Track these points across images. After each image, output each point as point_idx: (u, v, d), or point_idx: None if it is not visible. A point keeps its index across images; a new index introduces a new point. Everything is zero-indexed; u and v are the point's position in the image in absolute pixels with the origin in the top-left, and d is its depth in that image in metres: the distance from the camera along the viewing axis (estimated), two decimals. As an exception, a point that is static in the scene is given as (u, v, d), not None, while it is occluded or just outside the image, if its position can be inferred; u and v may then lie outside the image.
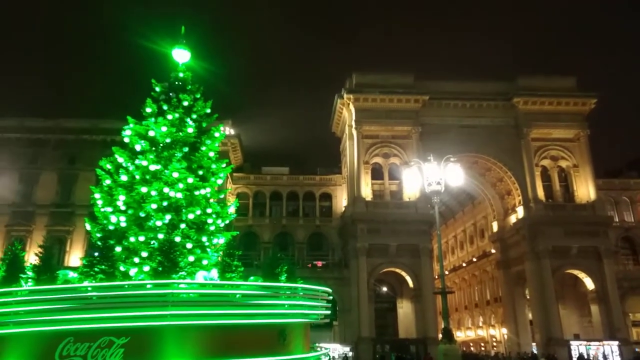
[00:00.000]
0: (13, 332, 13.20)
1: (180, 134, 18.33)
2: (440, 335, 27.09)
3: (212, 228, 18.01)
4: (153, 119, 18.33)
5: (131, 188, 17.46)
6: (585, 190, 55.51)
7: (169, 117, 18.35)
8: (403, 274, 53.45)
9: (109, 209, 17.30)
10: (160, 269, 14.78)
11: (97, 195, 17.67)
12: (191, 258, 16.73)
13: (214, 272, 16.45)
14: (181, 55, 19.95)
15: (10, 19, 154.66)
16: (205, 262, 17.40)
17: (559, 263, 52.72)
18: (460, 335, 73.24)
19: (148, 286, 14.29)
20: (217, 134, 19.37)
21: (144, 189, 17.22)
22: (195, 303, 13.81)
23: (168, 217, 16.97)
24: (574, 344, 49.53)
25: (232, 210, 18.96)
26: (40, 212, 51.89)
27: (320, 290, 16.81)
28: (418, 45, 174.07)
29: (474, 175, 60.61)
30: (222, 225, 18.48)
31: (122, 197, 17.25)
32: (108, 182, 17.80)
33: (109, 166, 18.09)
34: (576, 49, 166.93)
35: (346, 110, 59.20)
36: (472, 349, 71.36)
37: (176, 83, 19.34)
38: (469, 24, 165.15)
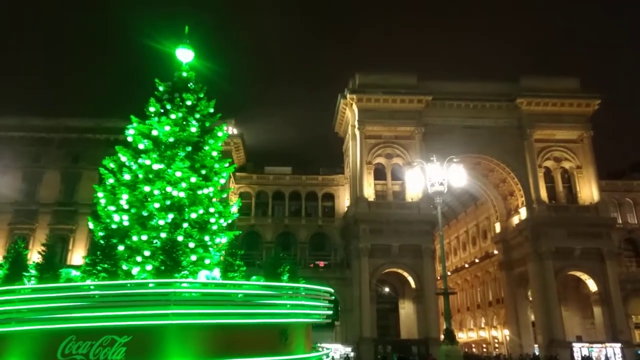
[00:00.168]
0: (16, 330, 13.23)
1: (184, 133, 18.36)
2: (442, 336, 27.11)
3: (214, 227, 18.03)
4: (156, 118, 18.38)
5: (134, 187, 17.50)
6: (588, 191, 55.35)
7: (172, 116, 18.38)
8: (405, 274, 53.40)
9: (112, 208, 17.34)
10: (162, 268, 14.82)
11: (100, 194, 17.71)
12: (193, 257, 16.74)
13: (216, 272, 16.47)
14: (185, 54, 19.99)
15: (11, 19, 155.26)
16: (207, 261, 17.42)
17: (562, 264, 52.59)
18: (462, 336, 73.13)
19: (150, 285, 14.31)
20: (220, 134, 19.39)
21: (146, 188, 17.26)
22: (198, 302, 13.81)
23: (171, 216, 17.00)
24: (576, 346, 49.40)
25: (234, 209, 18.96)
26: (43, 211, 52.04)
27: (322, 291, 16.81)
28: (418, 45, 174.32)
29: (476, 176, 60.50)
30: (224, 224, 18.50)
31: (125, 196, 17.28)
32: (111, 181, 17.86)
33: (112, 165, 18.16)
34: (579, 49, 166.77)
35: (349, 111, 59.17)
36: (474, 350, 71.23)
37: (180, 82, 19.38)
38: (469, 24, 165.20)
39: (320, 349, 18.78)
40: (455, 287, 74.92)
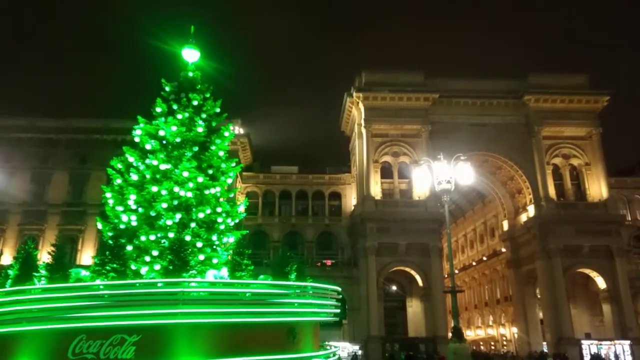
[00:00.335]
0: (27, 330, 13.36)
1: (190, 133, 18.43)
2: (450, 334, 27.03)
3: (222, 227, 18.10)
4: (163, 119, 18.46)
5: (142, 187, 17.60)
6: (597, 188, 54.98)
7: (179, 116, 18.46)
8: (412, 272, 53.32)
9: (120, 208, 17.46)
10: (170, 267, 14.92)
11: (108, 195, 17.84)
12: (201, 257, 16.83)
13: (224, 271, 16.54)
14: (191, 54, 20.06)
15: (12, 21, 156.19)
16: (215, 260, 17.50)
17: (570, 262, 52.29)
18: (470, 334, 72.94)
19: (159, 285, 14.41)
20: (226, 133, 19.46)
21: (154, 188, 17.35)
22: (206, 301, 13.90)
23: (178, 216, 17.09)
24: (585, 343, 49.07)
25: (241, 209, 19.04)
26: (52, 212, 52.41)
27: (330, 289, 16.84)
28: (418, 46, 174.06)
29: (484, 174, 60.25)
30: (231, 224, 18.56)
31: (132, 196, 17.39)
32: (119, 181, 17.97)
33: (119, 165, 18.26)
34: (587, 46, 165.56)
35: (355, 109, 59.08)
36: (482, 348, 71.06)
37: (186, 82, 19.44)
38: (469, 24, 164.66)
39: (328, 347, 18.82)
40: (463, 285, 74.71)
